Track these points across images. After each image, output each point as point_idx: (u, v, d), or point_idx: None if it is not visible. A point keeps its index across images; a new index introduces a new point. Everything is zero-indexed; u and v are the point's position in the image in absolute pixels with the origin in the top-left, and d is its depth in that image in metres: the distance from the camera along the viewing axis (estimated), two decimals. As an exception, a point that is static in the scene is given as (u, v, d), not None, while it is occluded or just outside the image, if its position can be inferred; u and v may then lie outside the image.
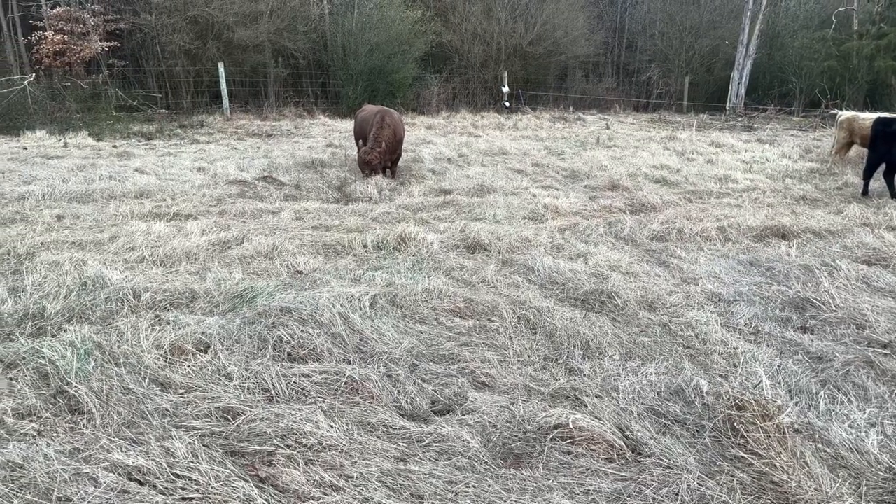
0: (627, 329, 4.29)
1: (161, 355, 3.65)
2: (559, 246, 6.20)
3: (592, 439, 2.93)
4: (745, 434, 2.83)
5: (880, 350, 3.91)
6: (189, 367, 3.57)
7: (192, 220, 6.84)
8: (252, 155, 12.10)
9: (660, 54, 27.31)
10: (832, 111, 18.70)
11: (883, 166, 8.89)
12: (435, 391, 3.45)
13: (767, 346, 4.03)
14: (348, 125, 16.76)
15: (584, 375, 3.61)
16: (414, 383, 3.50)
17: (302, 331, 3.94)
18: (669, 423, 3.10)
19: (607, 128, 18.67)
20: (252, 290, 4.63)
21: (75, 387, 3.23)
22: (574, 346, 3.98)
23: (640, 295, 4.83)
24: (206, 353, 3.72)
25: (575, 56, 26.48)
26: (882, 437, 2.99)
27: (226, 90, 19.37)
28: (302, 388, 3.38)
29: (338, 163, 11.28)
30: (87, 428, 2.97)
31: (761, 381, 3.29)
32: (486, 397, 3.37)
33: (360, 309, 4.32)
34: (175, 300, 4.52)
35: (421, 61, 22.50)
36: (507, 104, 23.15)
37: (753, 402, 2.96)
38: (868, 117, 12.12)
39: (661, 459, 2.80)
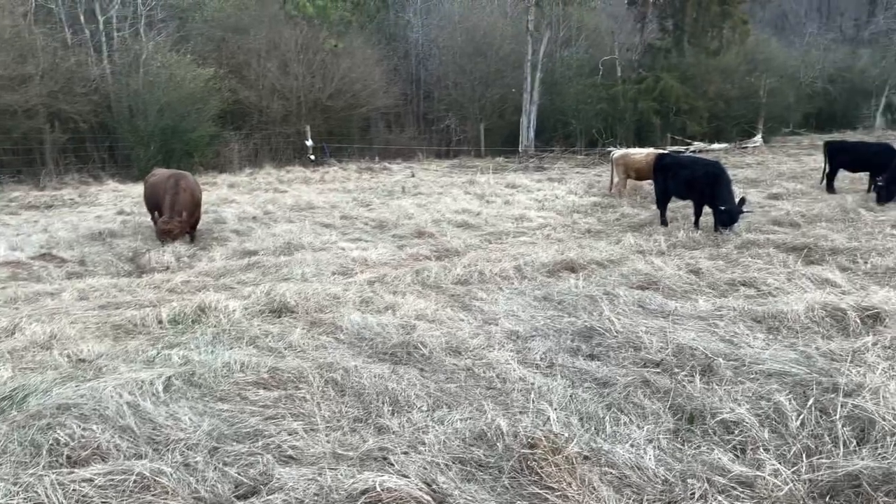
0: (434, 377, 4.38)
1: None
2: (368, 299, 6.23)
3: (400, 499, 2.92)
4: (538, 470, 2.98)
5: (653, 369, 4.34)
6: (-61, 492, 3.07)
7: (-51, 314, 5.98)
8: (28, 230, 10.92)
9: (455, 103, 28.84)
10: (608, 149, 20.98)
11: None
12: (238, 473, 3.27)
13: (561, 377, 4.31)
14: (142, 189, 15.72)
15: (393, 433, 3.62)
16: (215, 469, 3.29)
17: (83, 428, 3.56)
18: (473, 469, 3.19)
19: (412, 176, 19.25)
20: (23, 389, 4.12)
21: None
22: (383, 403, 3.99)
23: (444, 342, 4.96)
24: (-39, 472, 3.23)
25: (376, 108, 27.12)
26: (658, 451, 3.30)
27: (-8, 160, 17.37)
28: (83, 496, 3.03)
29: (130, 231, 10.53)
30: None
31: (549, 416, 3.50)
32: (293, 472, 3.24)
33: (153, 394, 4.01)
34: (-77, 413, 3.90)
35: (218, 119, 21.77)
36: (313, 157, 23.09)
37: (543, 438, 3.14)
38: (638, 152, 13.68)
39: (466, 508, 2.86)
